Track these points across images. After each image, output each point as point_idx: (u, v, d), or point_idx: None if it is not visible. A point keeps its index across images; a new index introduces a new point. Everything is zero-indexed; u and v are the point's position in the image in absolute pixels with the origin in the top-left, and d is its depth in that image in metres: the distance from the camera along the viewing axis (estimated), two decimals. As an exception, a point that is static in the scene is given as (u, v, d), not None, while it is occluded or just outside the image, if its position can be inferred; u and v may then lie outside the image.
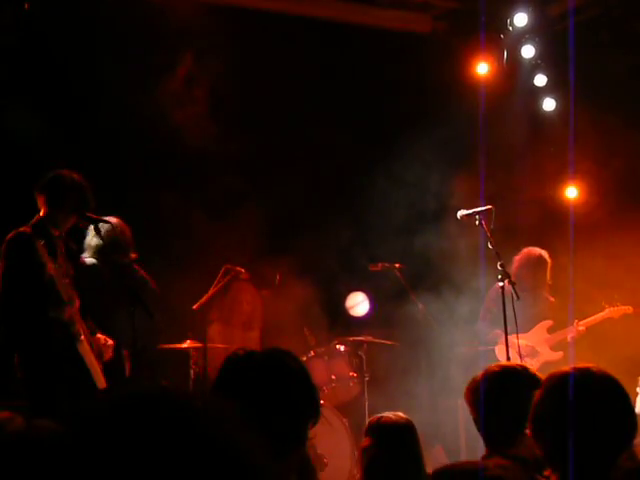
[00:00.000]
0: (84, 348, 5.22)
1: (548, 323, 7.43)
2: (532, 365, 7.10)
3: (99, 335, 5.50)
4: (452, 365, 7.97)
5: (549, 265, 7.40)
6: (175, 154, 7.87)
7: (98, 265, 5.97)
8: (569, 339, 7.29)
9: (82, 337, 5.22)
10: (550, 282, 7.48)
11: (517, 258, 7.44)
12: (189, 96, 7.92)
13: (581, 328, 7.30)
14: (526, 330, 7.19)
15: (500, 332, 7.05)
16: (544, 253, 7.43)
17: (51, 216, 5.30)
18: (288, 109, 8.31)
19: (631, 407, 2.60)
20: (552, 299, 7.51)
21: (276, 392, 2.40)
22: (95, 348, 5.40)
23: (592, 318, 7.35)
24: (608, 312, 7.32)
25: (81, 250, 5.86)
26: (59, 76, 7.46)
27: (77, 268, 5.55)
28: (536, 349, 7.31)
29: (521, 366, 3.40)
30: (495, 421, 3.16)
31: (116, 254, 5.81)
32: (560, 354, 7.30)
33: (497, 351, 7.20)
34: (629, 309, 7.34)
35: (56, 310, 5.10)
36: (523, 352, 7.09)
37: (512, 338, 7.10)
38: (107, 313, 5.70)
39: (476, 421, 3.29)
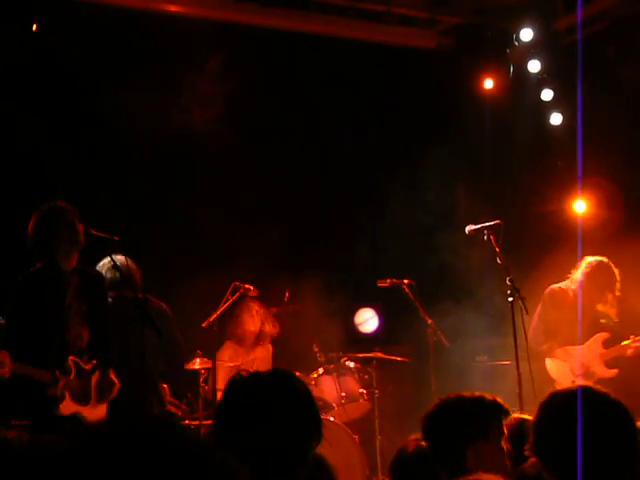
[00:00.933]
0: (65, 408, 5.19)
1: (604, 335, 6.95)
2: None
3: (111, 375, 5.44)
4: (463, 381, 7.94)
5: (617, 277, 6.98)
6: (185, 170, 7.89)
7: (116, 302, 5.98)
8: (629, 354, 6.82)
9: (66, 398, 5.18)
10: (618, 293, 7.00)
11: (587, 272, 7.02)
12: (200, 111, 7.95)
13: (637, 344, 6.80)
14: (582, 342, 6.90)
15: (554, 344, 6.94)
16: (612, 266, 7.00)
17: (55, 252, 5.26)
18: (298, 125, 8.34)
19: (634, 425, 2.57)
20: (614, 311, 7.00)
21: (280, 413, 2.40)
22: (98, 385, 5.35)
23: None
24: None
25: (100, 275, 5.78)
26: (68, 94, 7.50)
27: (92, 301, 5.49)
28: (590, 369, 6.86)
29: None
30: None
31: (125, 289, 5.80)
32: (614, 372, 6.81)
33: (548, 365, 6.95)
34: None
35: (43, 392, 5.09)
36: (577, 371, 6.86)
37: (570, 351, 6.93)
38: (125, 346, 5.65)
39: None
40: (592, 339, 6.97)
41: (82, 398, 5.27)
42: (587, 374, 6.84)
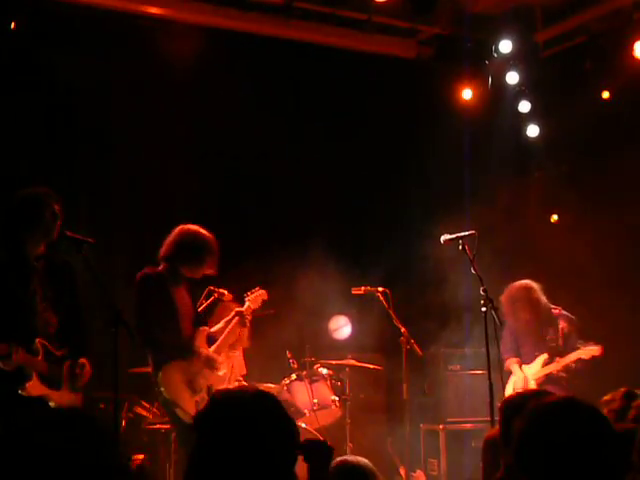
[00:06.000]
0: (32, 388, 5.13)
1: (544, 356, 7.23)
2: None
3: (82, 360, 5.40)
4: (434, 390, 7.97)
5: (535, 294, 7.23)
6: (162, 171, 7.87)
7: None
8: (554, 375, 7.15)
9: (33, 378, 5.12)
10: (556, 308, 7.26)
11: (504, 299, 7.23)
12: (180, 115, 7.95)
13: (555, 367, 7.16)
14: (531, 360, 7.27)
15: (512, 360, 7.28)
16: (525, 285, 7.28)
17: (25, 238, 5.23)
18: (275, 131, 8.33)
19: (616, 437, 2.57)
20: (563, 326, 7.22)
21: (255, 435, 2.39)
22: (69, 375, 5.31)
23: (565, 358, 7.14)
24: (580, 352, 7.08)
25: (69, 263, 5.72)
26: (46, 94, 7.47)
27: (60, 288, 5.46)
28: (529, 384, 7.19)
29: None
30: None
31: None
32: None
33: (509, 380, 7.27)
34: (597, 351, 7.03)
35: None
36: (517, 385, 7.19)
37: (515, 369, 7.30)
38: None
39: None
40: (537, 359, 7.24)
41: (52, 382, 5.22)
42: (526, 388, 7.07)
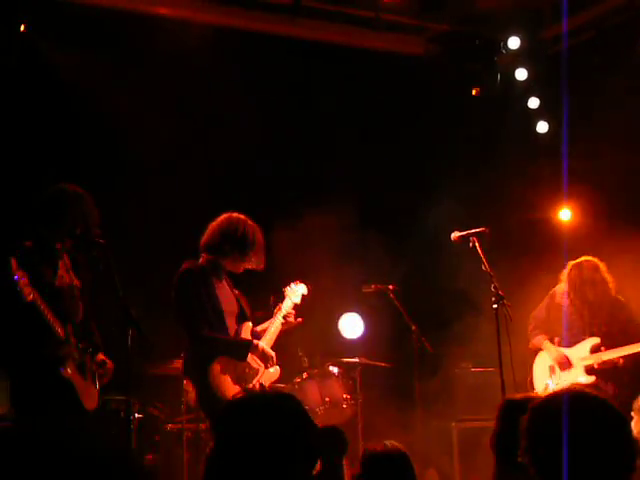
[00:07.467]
0: (69, 374, 5.15)
1: (594, 341, 6.92)
2: (560, 381, 6.86)
3: (101, 356, 5.44)
4: (446, 387, 7.95)
5: (605, 273, 6.96)
6: (167, 172, 7.89)
7: None
8: (596, 366, 6.84)
9: (70, 362, 5.15)
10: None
11: (565, 274, 7.07)
12: (187, 114, 7.96)
13: (605, 357, 6.82)
14: (573, 343, 6.99)
15: (541, 337, 7.10)
16: (596, 263, 7.00)
17: (54, 230, 5.27)
18: (282, 129, 8.33)
19: (629, 432, 2.55)
20: (627, 313, 6.95)
21: (276, 437, 2.38)
22: (90, 368, 5.34)
23: (610, 352, 6.83)
24: (626, 348, 6.73)
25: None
26: (55, 96, 7.49)
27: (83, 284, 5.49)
28: (572, 366, 6.95)
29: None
30: None
31: None
32: (592, 379, 6.82)
33: (538, 357, 7.17)
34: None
35: (50, 348, 5.05)
36: (558, 363, 6.98)
37: (552, 348, 7.07)
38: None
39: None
40: (584, 342, 6.97)
41: (80, 369, 5.25)
42: (557, 376, 6.98)
